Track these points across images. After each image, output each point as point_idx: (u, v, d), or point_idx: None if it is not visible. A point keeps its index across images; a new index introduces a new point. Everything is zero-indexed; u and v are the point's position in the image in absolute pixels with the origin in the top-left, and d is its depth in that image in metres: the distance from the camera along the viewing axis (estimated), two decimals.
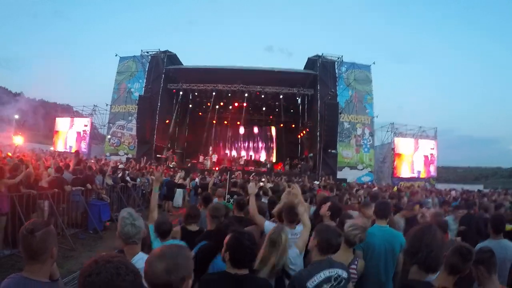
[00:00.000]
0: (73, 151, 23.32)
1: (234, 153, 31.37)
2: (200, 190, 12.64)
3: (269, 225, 3.75)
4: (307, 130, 27.81)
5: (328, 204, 4.24)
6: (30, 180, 7.65)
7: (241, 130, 32.43)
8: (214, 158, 27.57)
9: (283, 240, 2.97)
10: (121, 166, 15.82)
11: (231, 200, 6.46)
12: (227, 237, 2.42)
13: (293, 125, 31.09)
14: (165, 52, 26.35)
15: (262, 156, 31.77)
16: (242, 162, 26.87)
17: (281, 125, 31.52)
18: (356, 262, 3.21)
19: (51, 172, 8.65)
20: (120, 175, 12.63)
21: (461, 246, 2.54)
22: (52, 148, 28.70)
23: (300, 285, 2.54)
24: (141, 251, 2.43)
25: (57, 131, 30.37)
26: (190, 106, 29.79)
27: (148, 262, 1.56)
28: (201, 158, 26.47)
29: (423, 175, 27.09)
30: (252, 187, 4.37)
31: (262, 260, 2.89)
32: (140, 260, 2.31)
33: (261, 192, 7.09)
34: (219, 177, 15.52)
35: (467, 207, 6.94)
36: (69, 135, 29.51)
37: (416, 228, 2.79)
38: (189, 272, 1.58)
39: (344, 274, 2.67)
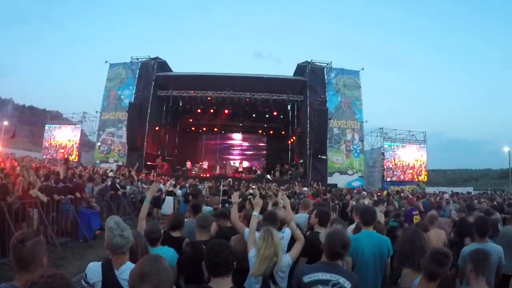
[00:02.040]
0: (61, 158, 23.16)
1: (224, 160, 31.33)
2: (190, 198, 12.62)
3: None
4: (297, 136, 27.94)
5: (315, 211, 4.30)
6: (24, 188, 7.62)
7: (231, 136, 32.51)
8: (205, 165, 27.64)
9: (274, 235, 3.06)
10: (111, 174, 15.76)
11: None
12: (206, 248, 2.44)
13: (283, 132, 31.22)
14: (155, 59, 26.31)
15: (253, 163, 31.75)
16: (232, 169, 26.89)
17: (271, 131, 31.69)
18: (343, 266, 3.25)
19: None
20: (110, 183, 12.58)
21: (436, 251, 2.56)
22: (44, 156, 28.49)
23: (298, 278, 2.69)
24: (129, 261, 2.47)
25: (46, 139, 30.12)
26: (180, 113, 29.78)
27: (133, 283, 1.58)
28: (188, 164, 26.45)
29: (413, 179, 27.35)
30: (235, 197, 4.44)
31: (257, 253, 3.01)
32: (127, 270, 2.34)
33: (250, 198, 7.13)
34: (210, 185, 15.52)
35: (469, 210, 7.01)
36: (58, 142, 29.27)
37: (406, 233, 2.91)
38: (172, 282, 1.65)
39: (347, 284, 2.65)
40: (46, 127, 30.80)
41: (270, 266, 3.00)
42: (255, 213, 3.64)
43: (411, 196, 13.69)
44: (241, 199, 4.83)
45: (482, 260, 2.81)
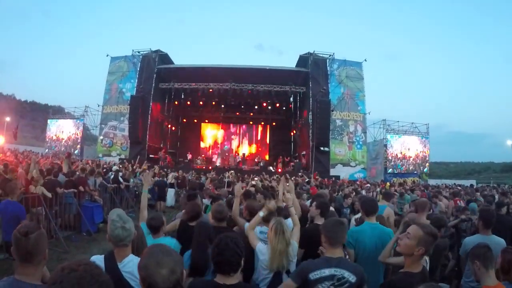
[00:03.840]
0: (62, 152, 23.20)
1: (227, 152, 31.34)
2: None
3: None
4: (300, 127, 27.88)
5: (315, 203, 4.25)
6: (27, 180, 7.64)
7: (234, 128, 32.47)
8: (214, 158, 27.91)
9: (285, 227, 3.08)
10: (115, 167, 15.73)
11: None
12: (213, 243, 2.37)
13: (286, 123, 31.14)
14: (157, 51, 26.29)
15: (255, 155, 31.73)
16: (235, 161, 26.92)
17: (274, 123, 31.58)
18: None
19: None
20: (112, 176, 12.58)
21: (430, 226, 2.64)
22: (46, 150, 28.58)
23: (304, 274, 2.61)
24: (132, 253, 2.44)
25: (49, 133, 30.25)
26: (182, 105, 29.75)
27: (148, 272, 1.55)
28: (189, 156, 26.52)
29: (415, 171, 27.31)
30: (238, 188, 4.41)
31: (271, 248, 3.01)
32: (130, 262, 2.34)
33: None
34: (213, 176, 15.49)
35: (487, 203, 6.93)
36: (61, 136, 29.34)
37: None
38: (183, 264, 1.65)
39: (352, 278, 2.58)
40: (48, 122, 30.96)
41: (285, 259, 3.03)
42: (261, 213, 3.59)
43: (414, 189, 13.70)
44: (244, 190, 4.78)
45: (486, 253, 2.82)
